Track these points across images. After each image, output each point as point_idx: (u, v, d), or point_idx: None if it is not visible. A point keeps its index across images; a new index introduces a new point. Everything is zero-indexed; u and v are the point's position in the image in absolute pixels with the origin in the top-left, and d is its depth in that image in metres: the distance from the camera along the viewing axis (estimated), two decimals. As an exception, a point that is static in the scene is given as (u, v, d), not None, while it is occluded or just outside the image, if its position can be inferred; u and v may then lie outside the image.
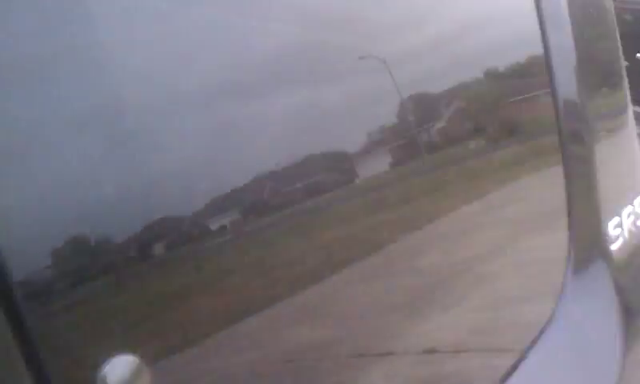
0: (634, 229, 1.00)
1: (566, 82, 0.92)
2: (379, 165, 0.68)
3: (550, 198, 0.93)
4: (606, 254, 0.97)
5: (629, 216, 0.99)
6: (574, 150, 0.95)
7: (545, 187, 0.95)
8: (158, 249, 0.49)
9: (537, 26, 0.89)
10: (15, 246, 0.43)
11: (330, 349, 0.60)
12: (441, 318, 0.73)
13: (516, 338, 0.84)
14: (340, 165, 0.64)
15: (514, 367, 0.79)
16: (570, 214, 0.92)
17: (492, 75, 0.87)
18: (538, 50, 0.90)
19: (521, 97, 0.95)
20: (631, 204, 1.01)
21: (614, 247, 0.97)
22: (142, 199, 0.49)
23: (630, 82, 1.10)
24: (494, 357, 0.81)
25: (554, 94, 0.92)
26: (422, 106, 0.75)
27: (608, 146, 1.00)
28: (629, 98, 1.08)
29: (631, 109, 1.08)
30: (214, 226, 0.52)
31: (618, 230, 0.96)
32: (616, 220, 0.97)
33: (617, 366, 0.91)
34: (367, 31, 0.69)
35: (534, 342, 0.84)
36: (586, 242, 0.96)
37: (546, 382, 0.84)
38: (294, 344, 0.58)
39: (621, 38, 1.09)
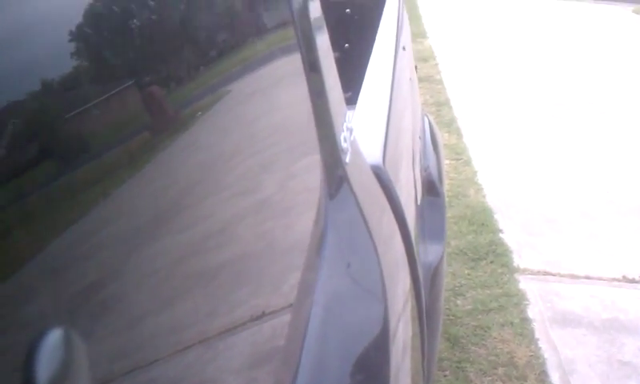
0: (351, 140, 1.20)
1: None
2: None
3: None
4: (343, 165, 1.14)
5: (347, 129, 1.18)
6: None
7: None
8: None
9: None
10: None
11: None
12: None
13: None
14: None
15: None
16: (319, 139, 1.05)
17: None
18: None
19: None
20: (345, 120, 1.20)
21: (346, 159, 1.16)
22: None
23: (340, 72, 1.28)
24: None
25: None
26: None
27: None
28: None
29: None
30: None
31: (345, 144, 1.15)
32: (344, 135, 1.15)
33: (374, 244, 1.07)
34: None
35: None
36: (331, 159, 1.11)
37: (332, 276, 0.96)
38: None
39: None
